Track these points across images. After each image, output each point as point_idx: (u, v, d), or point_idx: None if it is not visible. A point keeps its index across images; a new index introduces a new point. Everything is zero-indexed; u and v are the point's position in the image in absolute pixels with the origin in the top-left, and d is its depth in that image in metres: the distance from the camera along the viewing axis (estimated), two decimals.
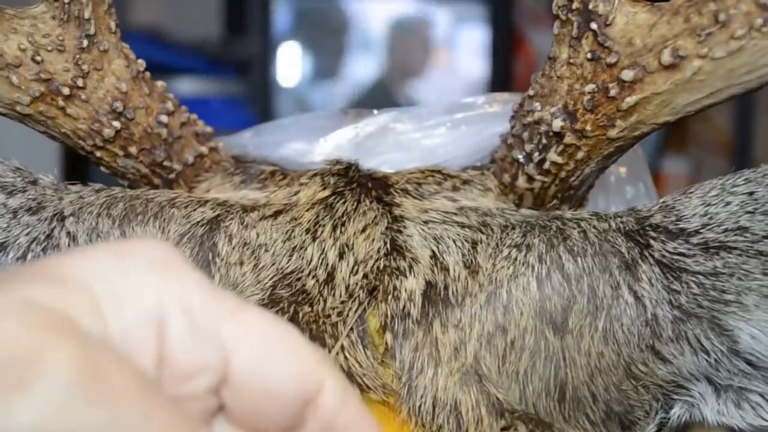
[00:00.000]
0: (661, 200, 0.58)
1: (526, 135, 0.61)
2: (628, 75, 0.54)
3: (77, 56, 0.60)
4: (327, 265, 0.57)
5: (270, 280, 0.57)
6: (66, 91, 0.61)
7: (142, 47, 0.65)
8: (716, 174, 0.57)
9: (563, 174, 0.61)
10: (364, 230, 0.59)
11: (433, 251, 0.57)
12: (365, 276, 0.56)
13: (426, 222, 0.59)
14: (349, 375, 0.53)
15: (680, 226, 0.55)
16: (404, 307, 0.55)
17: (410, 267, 0.56)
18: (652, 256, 0.55)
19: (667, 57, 0.52)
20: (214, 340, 0.31)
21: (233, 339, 0.31)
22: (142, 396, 0.27)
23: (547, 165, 0.61)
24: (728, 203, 0.55)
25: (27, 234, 0.58)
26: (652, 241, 0.56)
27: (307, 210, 0.60)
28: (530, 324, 0.54)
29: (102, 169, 0.67)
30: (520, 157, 0.62)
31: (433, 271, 0.56)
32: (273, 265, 0.57)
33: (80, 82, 0.61)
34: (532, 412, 0.54)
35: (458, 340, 0.54)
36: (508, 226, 0.59)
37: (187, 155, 0.67)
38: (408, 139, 0.71)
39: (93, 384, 0.26)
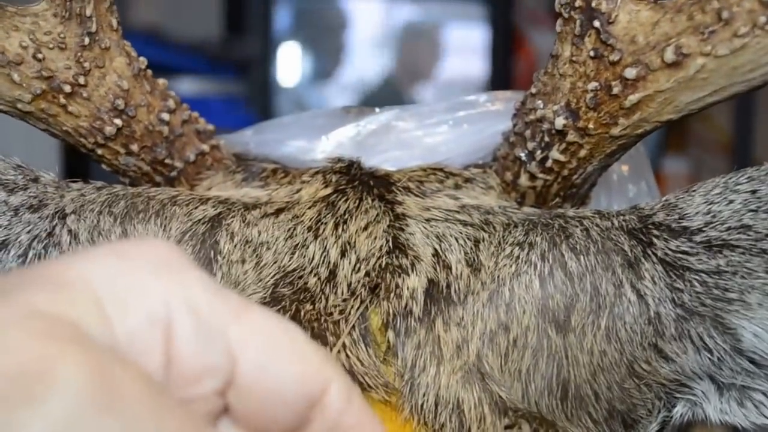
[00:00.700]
0: (664, 198, 0.58)
1: (528, 133, 0.61)
2: (631, 73, 0.54)
3: (79, 54, 0.60)
4: (329, 263, 0.57)
5: (272, 278, 0.56)
6: (67, 88, 0.61)
7: (141, 47, 0.65)
8: (716, 174, 0.57)
9: (566, 172, 0.61)
10: (366, 228, 0.58)
11: (435, 249, 0.57)
12: (367, 274, 0.56)
13: (428, 220, 0.59)
14: (351, 373, 0.53)
15: (683, 224, 0.55)
16: (406, 305, 0.55)
17: (412, 265, 0.56)
18: (655, 254, 0.55)
19: (670, 55, 0.52)
20: (221, 341, 0.30)
21: (240, 340, 0.31)
22: (153, 403, 0.27)
23: (549, 163, 0.61)
24: (731, 201, 0.55)
25: (28, 232, 0.58)
26: (654, 240, 0.56)
27: (309, 208, 0.60)
28: (533, 322, 0.54)
29: (103, 166, 0.67)
30: (523, 155, 0.62)
31: (435, 269, 0.56)
32: (275, 263, 0.57)
33: (82, 80, 0.61)
34: (535, 411, 0.54)
35: (461, 338, 0.54)
36: (511, 224, 0.59)
37: (188, 153, 0.67)
38: (410, 137, 0.71)
39: (104, 394, 0.25)
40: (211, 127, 0.69)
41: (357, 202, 0.60)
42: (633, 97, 0.55)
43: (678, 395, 0.57)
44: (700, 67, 0.52)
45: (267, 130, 0.74)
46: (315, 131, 0.73)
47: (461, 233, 0.58)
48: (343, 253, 0.57)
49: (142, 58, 0.64)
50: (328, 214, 0.60)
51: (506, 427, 0.53)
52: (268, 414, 0.32)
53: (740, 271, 0.53)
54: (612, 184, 0.73)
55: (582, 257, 0.55)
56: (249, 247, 0.58)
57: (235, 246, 0.58)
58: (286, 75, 2.59)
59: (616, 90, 0.55)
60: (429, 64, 2.75)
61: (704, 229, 0.55)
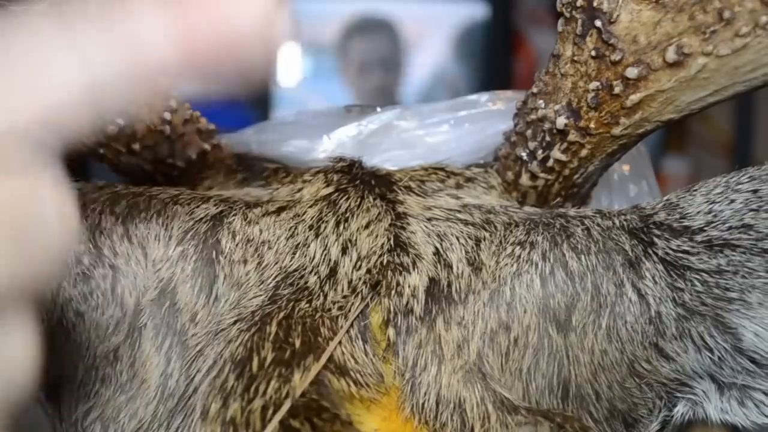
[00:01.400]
0: (665, 198, 0.58)
1: (529, 132, 0.61)
2: (632, 72, 0.54)
3: None
4: (330, 261, 0.57)
5: (273, 280, 0.56)
6: None
7: None
8: (716, 174, 0.57)
9: (567, 172, 0.61)
10: (367, 226, 0.58)
11: (436, 248, 0.57)
12: (368, 271, 0.56)
13: (429, 219, 0.59)
14: (344, 370, 0.52)
15: (684, 223, 0.55)
16: (407, 303, 0.55)
17: (413, 263, 0.56)
18: (656, 254, 0.55)
19: (671, 54, 0.52)
20: None
21: None
22: None
23: (550, 162, 0.61)
24: (732, 201, 0.55)
25: None
26: (655, 239, 0.56)
27: (311, 207, 0.60)
28: (533, 321, 0.54)
29: (105, 165, 0.67)
30: (524, 155, 0.62)
31: (436, 268, 0.56)
32: (276, 263, 0.57)
33: None
34: (556, 409, 0.54)
35: (461, 338, 0.54)
36: (512, 223, 0.59)
37: (190, 152, 0.67)
38: (411, 136, 0.72)
39: None
40: (212, 126, 0.69)
41: (358, 200, 0.60)
42: (634, 97, 0.55)
43: (679, 394, 0.57)
44: (701, 66, 0.52)
45: (268, 129, 0.74)
46: (316, 131, 0.73)
47: (462, 232, 0.58)
48: (344, 251, 0.57)
49: None
50: (329, 212, 0.60)
51: (523, 424, 0.53)
52: None
53: (741, 270, 0.53)
54: (613, 184, 0.73)
55: (583, 257, 0.56)
56: (251, 246, 0.58)
57: (237, 245, 0.58)
58: (286, 75, 2.59)
59: (617, 89, 0.55)
60: (389, 59, 2.60)
61: (705, 228, 0.55)
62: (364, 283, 0.56)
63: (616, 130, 0.57)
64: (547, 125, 0.60)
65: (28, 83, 0.29)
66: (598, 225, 0.57)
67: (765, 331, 0.54)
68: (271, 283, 0.56)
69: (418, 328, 0.54)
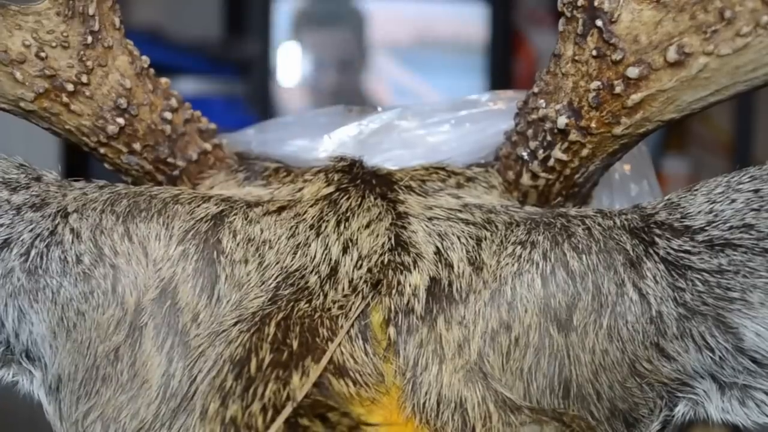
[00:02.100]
0: (666, 197, 0.58)
1: (530, 132, 0.61)
2: (633, 72, 0.54)
3: (81, 52, 0.60)
4: (330, 260, 0.57)
5: (274, 280, 0.56)
6: (70, 87, 0.61)
7: (142, 47, 0.65)
8: (716, 174, 0.57)
9: (568, 171, 0.61)
10: (368, 226, 0.58)
11: (437, 247, 0.57)
12: (369, 270, 0.56)
13: (430, 219, 0.59)
14: (343, 370, 0.52)
15: (685, 223, 0.55)
16: (408, 302, 0.55)
17: (414, 262, 0.56)
18: (657, 254, 0.55)
19: (672, 54, 0.52)
20: None
21: None
22: None
23: (551, 162, 0.61)
24: (733, 200, 0.55)
25: (30, 230, 0.58)
26: (656, 239, 0.56)
27: (311, 206, 0.60)
28: (534, 321, 0.54)
29: (105, 165, 0.67)
30: (525, 155, 0.62)
31: (437, 267, 0.56)
32: (277, 263, 0.57)
33: (84, 79, 0.61)
34: (561, 408, 0.54)
35: (462, 337, 0.54)
36: (513, 223, 0.59)
37: (190, 152, 0.67)
38: (412, 136, 0.72)
39: None
40: (213, 126, 0.69)
41: (359, 200, 0.60)
42: (635, 97, 0.55)
43: (680, 394, 0.57)
44: (702, 66, 0.52)
45: (269, 129, 0.74)
46: (317, 130, 0.73)
47: (463, 232, 0.58)
48: (345, 250, 0.57)
49: (144, 57, 0.64)
50: (330, 212, 0.60)
51: (528, 423, 0.53)
52: None
53: (742, 270, 0.53)
54: (614, 183, 0.73)
55: (584, 256, 0.55)
56: (251, 245, 0.58)
57: (238, 244, 0.58)
58: (286, 75, 2.59)
59: (618, 89, 0.55)
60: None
61: (706, 228, 0.55)
62: (365, 282, 0.56)
63: (617, 130, 0.57)
64: (548, 125, 0.60)
65: None
66: (599, 224, 0.57)
67: (766, 331, 0.54)
68: (272, 283, 0.56)
69: (419, 327, 0.54)
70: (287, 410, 0.48)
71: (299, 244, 0.58)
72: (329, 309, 0.55)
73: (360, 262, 0.57)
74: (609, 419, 0.55)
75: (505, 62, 2.60)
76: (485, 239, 0.58)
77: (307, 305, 0.55)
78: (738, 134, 2.51)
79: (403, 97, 2.61)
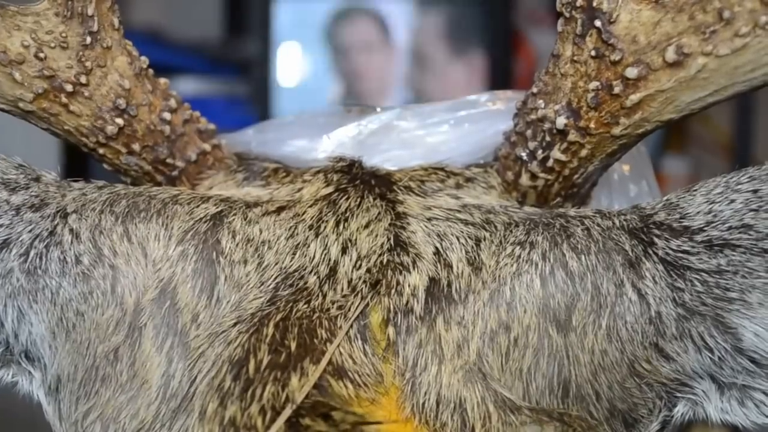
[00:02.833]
0: (665, 198, 0.58)
1: (529, 132, 0.61)
2: (632, 72, 0.54)
3: (80, 53, 0.60)
4: (329, 260, 0.57)
5: (273, 281, 0.56)
6: (69, 87, 0.61)
7: (142, 47, 0.65)
8: (716, 174, 0.57)
9: (567, 172, 0.61)
10: (367, 226, 0.59)
11: (436, 248, 0.57)
12: (368, 270, 0.56)
13: (429, 219, 0.59)
14: (342, 370, 0.52)
15: (684, 223, 0.55)
16: (407, 302, 0.55)
17: (413, 262, 0.56)
18: (656, 254, 0.55)
19: (671, 54, 0.52)
20: None
21: None
22: None
23: (550, 163, 0.61)
24: (732, 201, 0.55)
25: (30, 231, 0.58)
26: (655, 239, 0.56)
27: (311, 206, 0.60)
28: (533, 322, 0.54)
29: (105, 166, 0.67)
30: (524, 155, 0.62)
31: (436, 268, 0.56)
32: (276, 264, 0.57)
33: (83, 79, 0.61)
34: (560, 408, 0.54)
35: (461, 338, 0.54)
36: (512, 223, 0.59)
37: (190, 152, 0.67)
38: (411, 136, 0.72)
39: None
40: (212, 126, 0.69)
41: (358, 200, 0.60)
42: (634, 97, 0.55)
43: (679, 394, 0.57)
44: (701, 66, 0.52)
45: (268, 129, 0.74)
46: (316, 130, 0.73)
47: (462, 232, 0.58)
48: (344, 251, 0.57)
49: (143, 58, 0.64)
50: (329, 212, 0.60)
51: (528, 423, 0.53)
52: None
53: (741, 270, 0.53)
54: (613, 184, 0.73)
55: (583, 257, 0.56)
56: (251, 246, 0.58)
57: (237, 245, 0.58)
58: (286, 75, 2.59)
59: (617, 89, 0.55)
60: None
61: (705, 228, 0.55)
62: (364, 282, 0.56)
63: (616, 130, 0.57)
64: (547, 125, 0.60)
65: None
66: (598, 225, 0.57)
67: (765, 331, 0.54)
68: (271, 284, 0.56)
69: (419, 327, 0.54)
70: (287, 412, 0.48)
71: (298, 244, 0.58)
72: (328, 309, 0.54)
73: (359, 263, 0.57)
74: (608, 419, 0.55)
75: (504, 62, 2.59)
76: (484, 240, 0.58)
77: (305, 306, 0.55)
78: (737, 134, 2.51)
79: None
